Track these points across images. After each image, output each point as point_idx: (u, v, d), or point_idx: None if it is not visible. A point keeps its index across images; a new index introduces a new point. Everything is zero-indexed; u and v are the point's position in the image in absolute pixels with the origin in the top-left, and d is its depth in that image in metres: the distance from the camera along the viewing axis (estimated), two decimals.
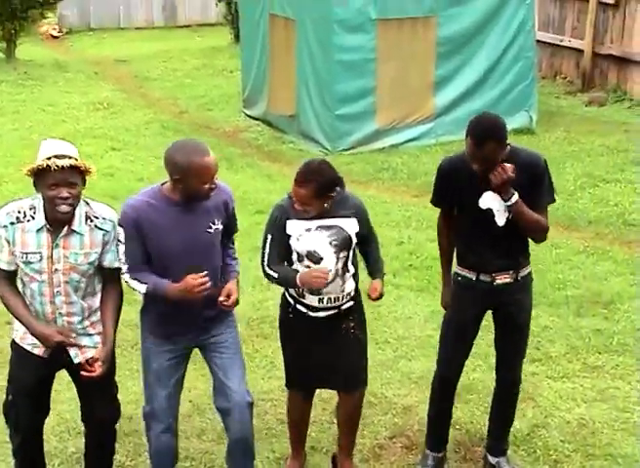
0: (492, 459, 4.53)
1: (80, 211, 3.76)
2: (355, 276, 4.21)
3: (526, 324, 4.33)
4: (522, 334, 4.34)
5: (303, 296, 4.13)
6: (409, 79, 10.32)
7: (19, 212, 3.74)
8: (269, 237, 4.09)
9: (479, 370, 5.39)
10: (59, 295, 3.80)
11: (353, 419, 4.38)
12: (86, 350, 3.88)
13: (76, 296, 3.83)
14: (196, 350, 4.16)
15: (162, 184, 3.92)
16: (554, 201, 4.21)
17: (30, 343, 3.88)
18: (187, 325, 3.98)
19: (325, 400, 4.97)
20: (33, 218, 3.73)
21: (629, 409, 5.05)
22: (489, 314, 4.37)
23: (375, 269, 4.30)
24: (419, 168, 9.53)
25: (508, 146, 4.00)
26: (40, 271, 3.76)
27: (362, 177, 9.36)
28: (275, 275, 4.07)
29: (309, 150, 10.26)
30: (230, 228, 4.10)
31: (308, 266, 4.04)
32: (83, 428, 4.26)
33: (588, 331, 5.93)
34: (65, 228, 3.73)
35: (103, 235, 3.82)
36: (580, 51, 12.80)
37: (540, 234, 4.20)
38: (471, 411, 5.01)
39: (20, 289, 3.86)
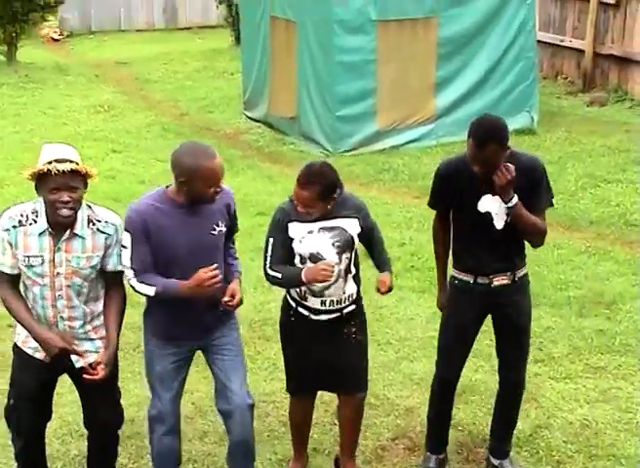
0: (494, 461, 4.52)
1: (82, 214, 3.76)
2: (357, 278, 4.21)
3: (525, 325, 4.31)
4: (522, 336, 4.32)
5: (306, 299, 4.13)
6: (409, 80, 10.32)
7: (21, 215, 3.74)
8: (271, 240, 4.08)
9: (481, 370, 5.39)
10: (60, 299, 3.80)
11: (355, 422, 4.38)
12: (87, 355, 3.87)
13: (78, 301, 3.83)
14: (199, 353, 4.16)
15: (166, 187, 3.92)
16: (552, 205, 4.22)
17: (32, 347, 3.88)
18: (191, 327, 3.98)
19: (327, 402, 4.97)
20: (35, 222, 3.73)
21: (632, 409, 5.04)
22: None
23: (382, 262, 4.30)
24: (420, 169, 9.53)
25: (509, 149, 4.00)
26: (42, 275, 3.76)
27: (363, 179, 9.37)
28: (279, 275, 4.04)
29: (310, 152, 10.26)
30: (232, 229, 4.10)
31: None
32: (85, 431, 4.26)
33: (591, 331, 5.92)
34: (68, 232, 3.74)
35: (106, 238, 3.82)
36: (581, 51, 12.81)
37: (538, 238, 4.19)
38: (474, 413, 5.00)
39: (23, 292, 3.86)
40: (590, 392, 5.23)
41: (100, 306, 3.92)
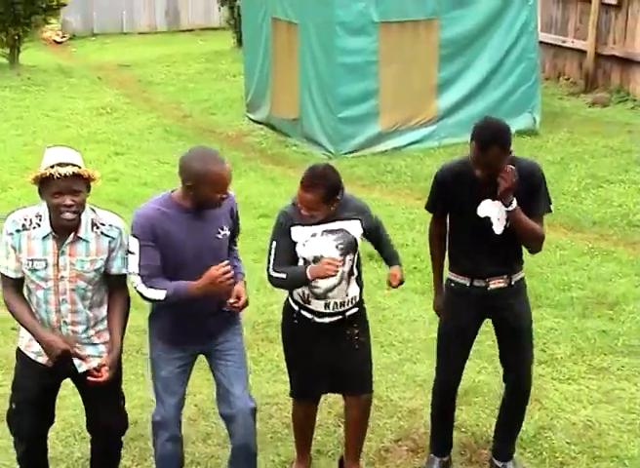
0: (498, 463, 4.51)
1: (86, 218, 3.76)
2: (359, 280, 4.21)
3: (524, 329, 4.30)
4: (520, 340, 4.29)
5: (309, 302, 4.13)
6: (411, 82, 10.32)
7: (25, 219, 3.75)
8: (274, 244, 4.08)
9: (484, 372, 5.38)
10: (64, 303, 3.80)
11: (361, 423, 4.36)
12: (90, 359, 3.87)
13: (82, 305, 3.83)
14: (201, 356, 4.17)
15: (172, 191, 3.92)
16: (550, 211, 4.21)
17: (35, 351, 3.88)
18: (195, 332, 3.98)
19: (330, 403, 4.97)
20: (39, 226, 3.73)
21: (635, 410, 5.04)
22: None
23: (391, 256, 4.31)
24: (422, 170, 9.52)
25: (511, 153, 4.00)
26: (45, 278, 3.76)
27: (365, 180, 9.37)
28: (283, 276, 4.03)
29: (313, 153, 10.27)
30: (234, 231, 4.11)
31: None
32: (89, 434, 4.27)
33: (594, 332, 5.92)
34: (71, 235, 3.74)
35: (109, 242, 3.82)
36: (583, 52, 12.81)
37: (536, 243, 4.19)
38: (477, 414, 5.00)
39: (27, 296, 3.86)
40: (593, 393, 5.22)
41: (103, 311, 3.92)
